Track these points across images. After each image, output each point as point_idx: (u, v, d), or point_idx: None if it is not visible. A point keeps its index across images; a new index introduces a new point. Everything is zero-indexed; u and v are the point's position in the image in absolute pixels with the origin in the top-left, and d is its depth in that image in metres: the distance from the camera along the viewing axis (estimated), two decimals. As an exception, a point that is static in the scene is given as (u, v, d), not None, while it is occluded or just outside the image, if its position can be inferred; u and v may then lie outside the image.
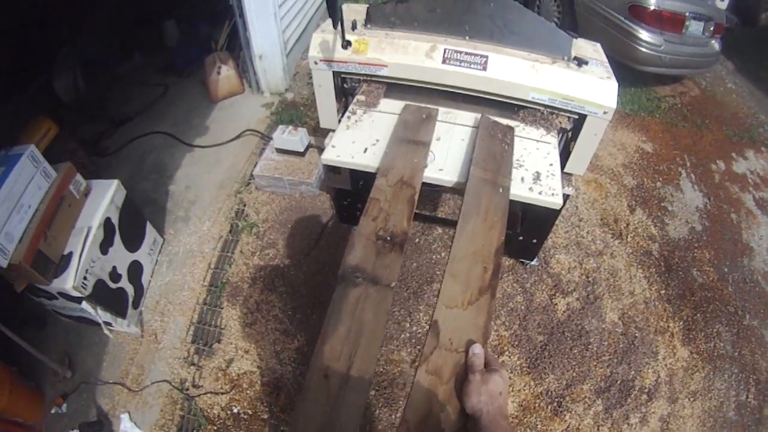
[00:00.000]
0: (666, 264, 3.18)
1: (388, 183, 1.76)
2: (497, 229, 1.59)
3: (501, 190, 1.76)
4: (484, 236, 1.55)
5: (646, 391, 2.57)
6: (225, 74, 3.95)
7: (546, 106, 2.14)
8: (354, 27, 2.24)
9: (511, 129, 2.11)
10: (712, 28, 4.45)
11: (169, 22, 4.64)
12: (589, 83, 2.02)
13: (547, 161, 1.99)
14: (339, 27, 2.06)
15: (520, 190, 1.84)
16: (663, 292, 3.03)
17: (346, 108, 2.52)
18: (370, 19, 2.29)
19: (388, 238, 1.53)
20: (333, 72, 2.30)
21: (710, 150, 4.34)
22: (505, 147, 2.00)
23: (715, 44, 4.65)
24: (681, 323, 2.91)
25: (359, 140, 2.05)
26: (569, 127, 2.20)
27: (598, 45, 2.37)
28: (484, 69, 2.08)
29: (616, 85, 2.00)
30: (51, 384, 2.43)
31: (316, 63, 2.27)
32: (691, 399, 2.61)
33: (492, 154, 1.93)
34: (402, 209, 1.64)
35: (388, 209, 1.64)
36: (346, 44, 2.17)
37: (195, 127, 3.85)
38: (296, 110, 3.95)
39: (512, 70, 2.07)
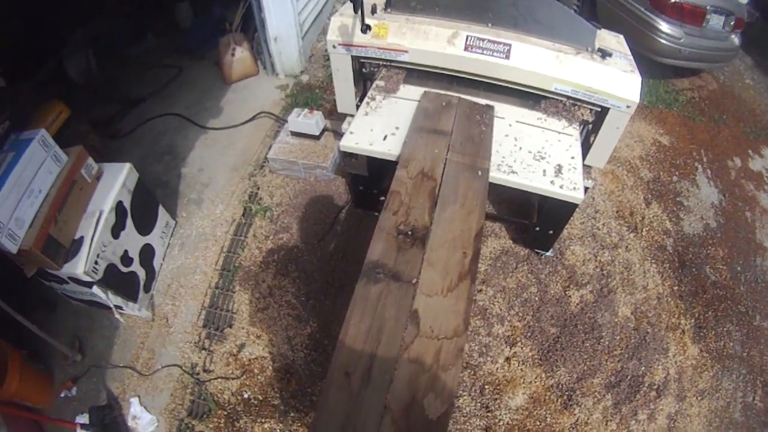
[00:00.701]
0: (680, 260, 3.13)
1: (408, 175, 1.72)
2: (476, 213, 1.57)
3: (480, 173, 1.73)
4: (462, 222, 1.54)
5: (655, 387, 2.54)
6: (239, 56, 3.88)
7: (568, 98, 2.10)
8: (374, 11, 2.19)
9: (490, 108, 2.08)
10: (732, 23, 4.33)
11: (183, 3, 4.58)
12: (613, 76, 1.97)
13: (569, 154, 1.95)
14: (359, 11, 2.00)
15: (542, 183, 1.81)
16: (676, 288, 2.98)
17: (364, 93, 2.47)
18: (390, 3, 2.23)
19: (410, 233, 1.50)
20: (351, 56, 2.26)
21: (727, 146, 4.26)
22: (483, 128, 1.96)
23: (735, 39, 4.53)
24: (692, 321, 2.87)
25: (378, 127, 2.01)
26: (591, 120, 2.16)
27: (621, 37, 2.32)
28: (507, 58, 2.04)
29: (640, 79, 1.96)
30: (61, 367, 2.41)
31: (334, 47, 2.22)
32: (699, 398, 2.59)
33: (470, 137, 1.90)
34: (423, 202, 1.61)
35: (409, 202, 1.61)
36: (366, 28, 2.13)
37: (208, 109, 3.80)
38: (311, 93, 3.88)
39: (536, 59, 2.03)
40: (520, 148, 1.97)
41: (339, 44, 2.20)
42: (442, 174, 1.75)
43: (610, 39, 2.26)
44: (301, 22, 3.84)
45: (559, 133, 2.07)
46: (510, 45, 2.03)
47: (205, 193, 3.16)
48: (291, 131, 3.18)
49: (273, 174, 3.22)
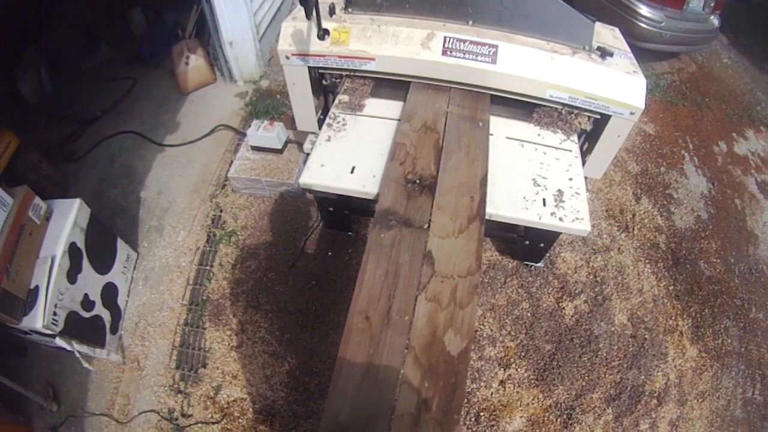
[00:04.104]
0: (673, 257, 2.89)
1: (412, 128, 1.67)
2: (480, 160, 1.57)
3: (480, 124, 1.69)
4: (467, 169, 1.53)
5: (656, 395, 2.38)
6: (194, 64, 3.44)
7: (565, 105, 1.77)
8: (332, 12, 1.81)
9: None
10: (712, 4, 4.03)
11: (135, 9, 4.06)
12: (616, 79, 1.65)
13: (569, 175, 1.62)
14: (314, 14, 1.67)
15: (543, 216, 1.50)
16: (671, 288, 2.75)
17: (326, 106, 2.15)
18: (351, 2, 1.84)
19: (417, 181, 1.49)
20: (309, 67, 1.88)
21: (711, 130, 3.99)
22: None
23: (715, 20, 4.23)
24: (689, 320, 2.67)
25: (344, 157, 1.67)
26: (589, 128, 1.82)
27: (617, 30, 1.94)
28: (494, 62, 1.69)
29: (645, 81, 1.62)
30: (39, 416, 2.20)
31: (287, 57, 1.83)
32: (700, 400, 2.43)
33: (468, 91, 1.83)
34: (428, 153, 1.59)
35: (415, 153, 1.59)
36: (323, 34, 1.74)
37: (165, 123, 3.37)
38: (272, 99, 3.47)
39: (528, 62, 1.68)
40: (514, 173, 1.65)
41: (293, 54, 1.80)
42: (445, 126, 1.66)
43: (605, 34, 1.90)
44: (257, 23, 3.38)
45: (557, 149, 1.74)
46: (497, 46, 1.67)
47: (165, 219, 2.78)
48: (251, 146, 2.79)
49: (236, 193, 2.85)
